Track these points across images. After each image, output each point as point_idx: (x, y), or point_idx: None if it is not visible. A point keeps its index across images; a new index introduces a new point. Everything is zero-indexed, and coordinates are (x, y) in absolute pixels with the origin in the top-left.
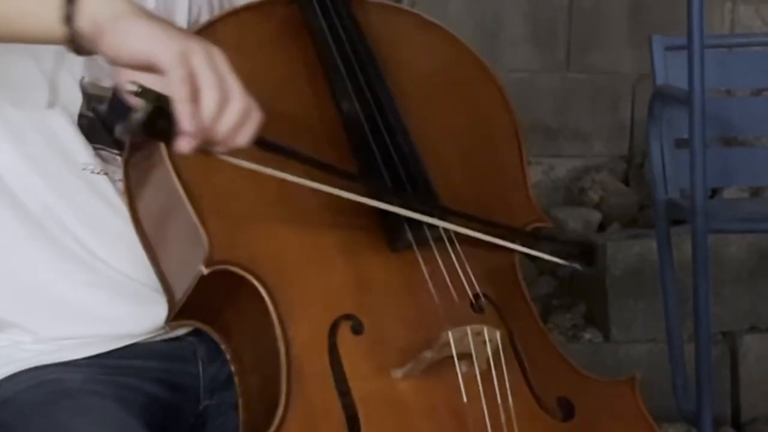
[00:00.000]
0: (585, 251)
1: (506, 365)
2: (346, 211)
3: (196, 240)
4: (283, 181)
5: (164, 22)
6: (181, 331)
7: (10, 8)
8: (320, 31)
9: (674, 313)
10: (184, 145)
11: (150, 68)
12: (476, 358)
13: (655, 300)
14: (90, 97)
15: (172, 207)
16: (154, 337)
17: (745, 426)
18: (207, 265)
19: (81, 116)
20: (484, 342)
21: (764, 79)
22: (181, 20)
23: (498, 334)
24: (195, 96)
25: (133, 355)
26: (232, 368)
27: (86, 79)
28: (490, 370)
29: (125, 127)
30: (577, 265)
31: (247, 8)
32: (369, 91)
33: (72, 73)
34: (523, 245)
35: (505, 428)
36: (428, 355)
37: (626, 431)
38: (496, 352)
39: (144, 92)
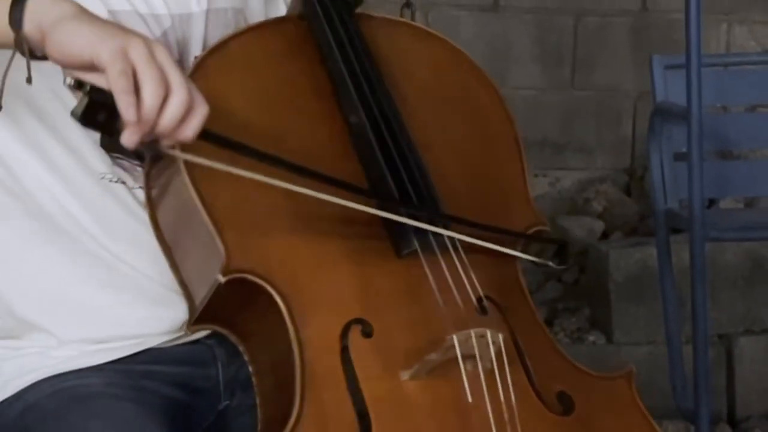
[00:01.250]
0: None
1: (509, 364)
2: (354, 219)
3: (213, 249)
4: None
5: (107, 21)
6: (200, 334)
7: None
8: (328, 46)
9: (673, 317)
10: (128, 136)
11: (94, 67)
12: (480, 359)
13: (655, 304)
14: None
15: (189, 217)
16: (173, 341)
17: (740, 423)
18: (224, 274)
19: None
20: (488, 344)
21: (759, 96)
22: (197, 42)
23: (501, 337)
24: (136, 89)
25: (154, 360)
26: (250, 369)
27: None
28: (494, 370)
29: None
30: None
31: (258, 26)
32: (375, 104)
33: None
34: (524, 250)
35: (508, 425)
36: (433, 357)
37: (622, 422)
38: (499, 353)
39: (79, 85)
